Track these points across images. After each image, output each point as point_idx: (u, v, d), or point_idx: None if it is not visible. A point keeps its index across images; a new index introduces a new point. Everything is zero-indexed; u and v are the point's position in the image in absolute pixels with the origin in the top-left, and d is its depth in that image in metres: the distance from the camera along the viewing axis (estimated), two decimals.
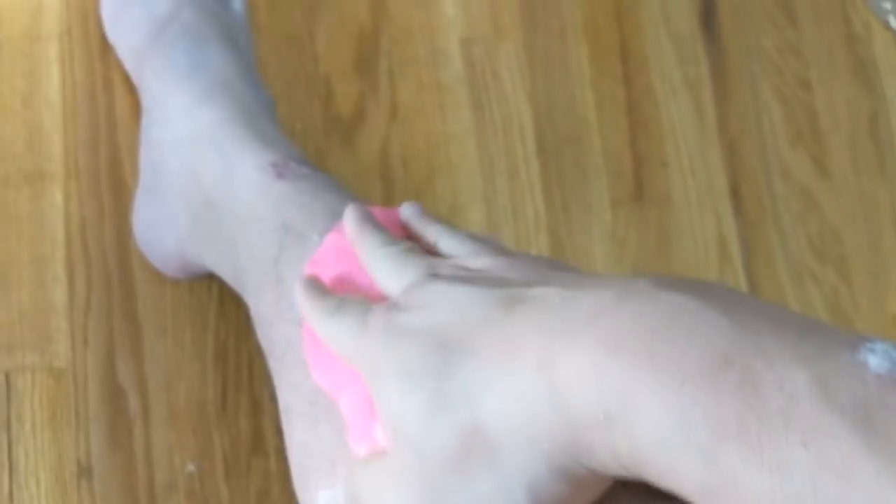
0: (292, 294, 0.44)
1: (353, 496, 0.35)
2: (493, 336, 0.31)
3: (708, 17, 0.73)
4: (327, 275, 0.43)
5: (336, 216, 0.46)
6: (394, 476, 0.33)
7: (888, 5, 0.74)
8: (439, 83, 0.69)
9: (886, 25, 0.74)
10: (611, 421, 0.28)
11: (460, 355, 0.31)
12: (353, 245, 0.41)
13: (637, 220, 0.68)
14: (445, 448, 0.31)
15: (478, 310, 0.32)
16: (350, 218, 0.41)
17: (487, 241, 0.39)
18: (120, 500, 0.59)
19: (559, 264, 0.36)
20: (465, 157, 0.68)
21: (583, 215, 0.68)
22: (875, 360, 0.26)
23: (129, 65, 0.62)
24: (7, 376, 0.60)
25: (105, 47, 0.65)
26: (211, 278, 0.62)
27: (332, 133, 0.68)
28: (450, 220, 0.46)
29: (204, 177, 0.55)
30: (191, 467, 0.60)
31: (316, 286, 0.40)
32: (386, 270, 0.38)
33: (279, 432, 0.61)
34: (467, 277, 0.34)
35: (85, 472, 0.59)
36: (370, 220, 0.41)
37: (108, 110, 0.65)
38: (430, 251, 0.39)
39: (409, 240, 0.40)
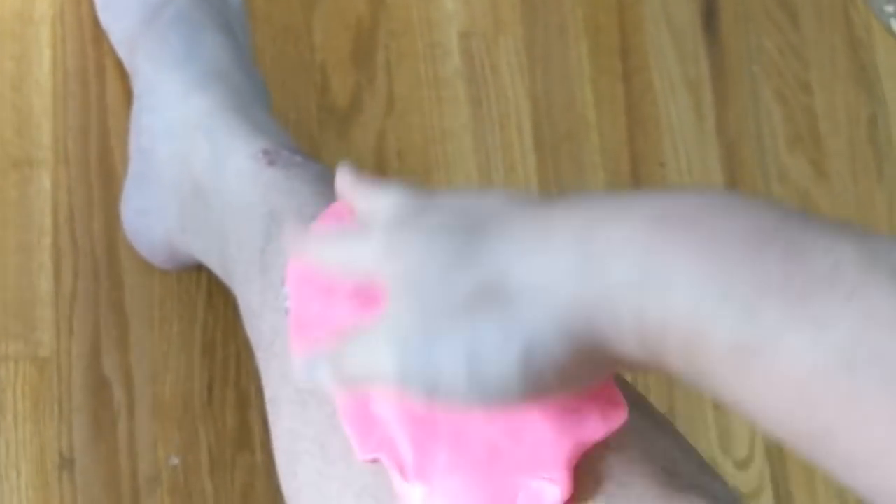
0: (278, 283, 0.44)
1: (338, 366, 0.33)
2: (530, 215, 0.31)
3: (709, 16, 0.72)
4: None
5: (324, 205, 0.45)
6: (386, 328, 0.32)
7: (890, 8, 0.73)
8: (437, 77, 0.68)
9: (888, 29, 0.74)
10: (645, 284, 0.28)
11: (496, 221, 0.31)
12: (349, 192, 0.39)
13: None
14: (457, 294, 0.30)
15: (511, 202, 0.32)
16: (342, 173, 0.39)
17: None
18: (102, 492, 0.58)
19: None
20: (462, 152, 0.67)
21: None
22: None
23: (122, 50, 0.61)
24: None
25: (97, 32, 0.64)
26: (199, 269, 0.61)
27: (327, 124, 0.67)
28: None
29: (194, 165, 0.54)
30: (175, 461, 0.59)
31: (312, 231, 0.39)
32: (386, 195, 0.36)
33: (266, 427, 0.60)
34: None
35: (67, 463, 0.58)
36: (362, 175, 0.39)
37: (100, 96, 0.64)
38: None
39: None
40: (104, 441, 0.59)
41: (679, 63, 0.71)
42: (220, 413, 0.60)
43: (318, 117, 0.67)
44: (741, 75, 0.72)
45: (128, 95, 0.64)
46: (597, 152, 0.69)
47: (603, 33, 0.71)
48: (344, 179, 0.40)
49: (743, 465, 0.66)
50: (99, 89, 0.64)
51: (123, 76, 0.64)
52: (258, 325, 0.46)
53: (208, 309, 0.62)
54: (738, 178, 0.70)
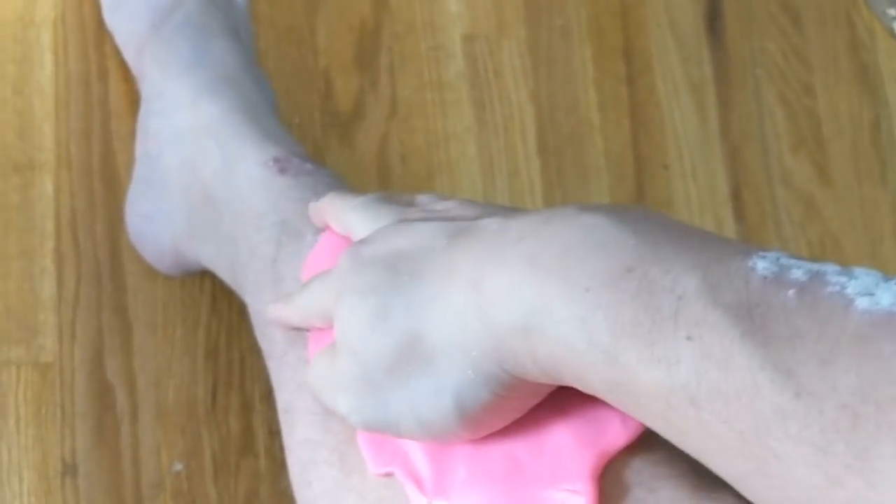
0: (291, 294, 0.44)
1: (314, 394, 0.39)
2: (437, 262, 0.34)
3: (713, 19, 0.72)
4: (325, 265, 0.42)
5: None
6: (339, 380, 0.36)
7: (893, 12, 0.73)
8: (440, 80, 0.68)
9: (891, 32, 0.73)
10: (528, 329, 0.31)
11: (408, 277, 0.34)
12: (328, 212, 0.43)
13: None
14: (385, 353, 0.34)
15: (428, 240, 0.35)
16: (329, 196, 0.45)
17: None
18: (105, 499, 0.58)
19: (520, 209, 0.38)
20: (466, 156, 0.67)
21: None
22: (763, 265, 0.28)
23: (129, 54, 0.61)
24: None
25: (100, 35, 0.64)
26: (203, 274, 0.61)
27: (330, 128, 0.66)
28: None
29: (203, 171, 0.53)
30: (178, 466, 0.59)
31: (281, 301, 0.44)
32: (361, 220, 0.41)
33: (270, 432, 0.60)
34: (428, 217, 0.37)
35: (70, 469, 0.58)
36: (347, 193, 0.44)
37: (102, 99, 0.63)
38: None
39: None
40: (107, 446, 0.59)
41: (682, 66, 0.71)
42: (223, 418, 0.60)
43: (322, 122, 0.66)
44: (744, 78, 0.71)
45: (131, 99, 0.63)
46: (601, 155, 0.68)
47: (606, 36, 0.70)
48: (315, 210, 0.45)
49: None
50: (102, 93, 0.64)
51: (126, 79, 0.64)
52: (271, 334, 0.46)
53: (212, 313, 0.62)
54: (741, 180, 0.70)
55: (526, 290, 0.31)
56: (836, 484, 0.25)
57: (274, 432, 0.60)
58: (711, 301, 0.28)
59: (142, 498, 0.58)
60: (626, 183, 0.68)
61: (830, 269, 0.28)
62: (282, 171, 0.50)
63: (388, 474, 0.37)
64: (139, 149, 0.59)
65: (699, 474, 0.34)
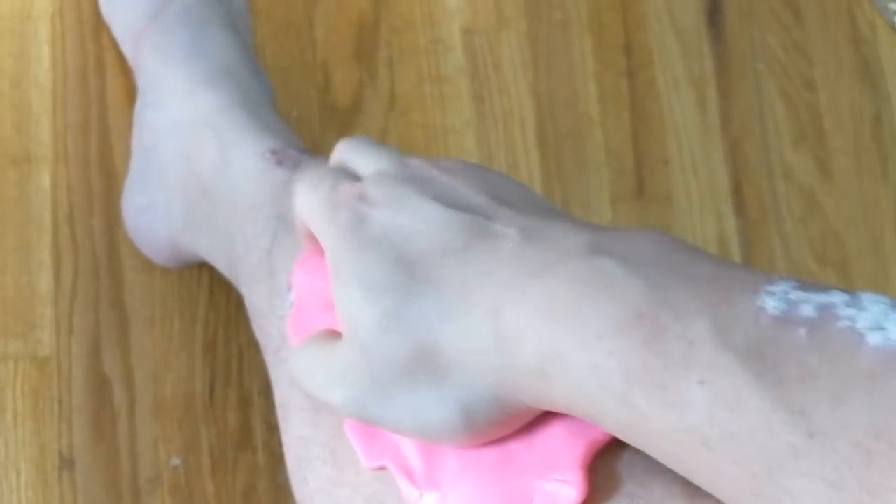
0: (284, 288, 0.43)
1: (296, 382, 0.37)
2: (452, 271, 0.33)
3: (713, 13, 0.72)
4: (317, 271, 0.42)
5: None
6: (341, 373, 0.35)
7: (894, 6, 0.73)
8: (440, 74, 0.68)
9: (893, 26, 0.73)
10: (544, 371, 0.31)
11: (422, 282, 0.33)
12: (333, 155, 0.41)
13: (637, 218, 0.67)
14: (396, 358, 0.33)
15: (439, 234, 0.34)
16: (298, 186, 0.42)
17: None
18: (102, 493, 0.58)
19: (523, 188, 0.37)
20: (465, 150, 0.67)
21: (582, 211, 0.66)
22: (772, 303, 0.28)
23: (125, 45, 0.61)
24: None
25: (98, 28, 0.64)
26: (201, 267, 0.61)
27: (328, 122, 0.66)
28: None
29: (200, 163, 0.53)
30: (176, 461, 0.59)
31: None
32: (359, 154, 0.39)
33: (268, 427, 0.60)
34: (433, 184, 0.35)
35: (67, 464, 0.58)
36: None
37: (100, 93, 0.63)
38: None
39: None
40: (104, 441, 0.58)
41: (683, 60, 0.71)
42: (221, 413, 0.60)
43: (320, 115, 0.66)
44: (745, 72, 0.71)
45: (128, 92, 0.63)
46: (600, 149, 0.68)
47: (606, 30, 0.70)
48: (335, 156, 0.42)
49: None
50: (99, 86, 0.63)
51: (124, 73, 0.63)
52: (265, 328, 0.46)
53: (210, 307, 0.61)
54: (742, 175, 0.69)
55: (542, 332, 0.31)
56: None
57: (272, 427, 0.60)
58: (722, 345, 0.28)
59: (139, 492, 0.58)
60: (626, 177, 0.68)
61: (839, 299, 0.28)
62: (279, 162, 0.50)
63: (381, 468, 0.37)
64: (135, 141, 0.59)
65: None
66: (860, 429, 0.26)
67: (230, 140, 0.52)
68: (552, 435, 0.34)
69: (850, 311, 0.27)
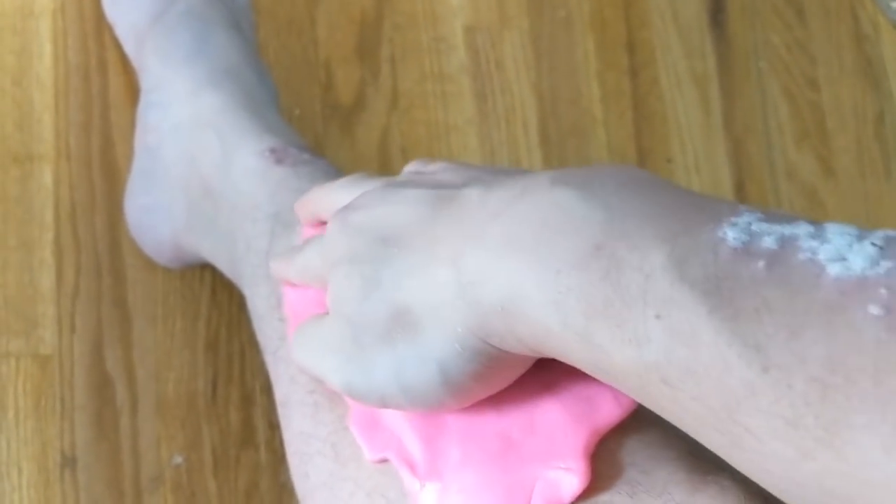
0: (280, 288, 0.43)
1: (296, 361, 0.39)
2: (422, 233, 0.34)
3: (716, 11, 0.72)
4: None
5: None
6: (329, 343, 0.36)
7: None
8: (442, 72, 0.67)
9: (895, 25, 0.73)
10: (507, 311, 0.31)
11: (396, 248, 0.34)
12: (312, 198, 0.43)
13: None
14: (376, 321, 0.34)
15: (413, 209, 0.35)
16: (299, 200, 0.45)
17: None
18: (104, 491, 0.57)
19: (510, 170, 0.38)
20: (467, 148, 0.66)
21: None
22: (733, 234, 0.27)
23: (129, 45, 0.61)
24: None
25: (100, 26, 0.64)
26: (203, 266, 0.61)
27: (330, 120, 0.66)
28: None
29: (203, 164, 0.53)
30: (178, 459, 0.59)
31: (281, 257, 0.43)
32: (348, 193, 0.40)
33: (270, 425, 0.60)
34: (414, 182, 0.37)
35: (69, 462, 0.58)
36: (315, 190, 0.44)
37: (102, 91, 0.63)
38: None
39: None
40: (107, 439, 0.58)
41: (686, 58, 0.71)
42: (223, 411, 0.60)
43: (323, 113, 0.66)
44: (748, 71, 0.71)
45: (130, 91, 0.63)
46: (603, 148, 0.68)
47: (609, 28, 0.70)
48: (301, 205, 0.44)
49: None
50: (101, 84, 0.63)
51: (126, 71, 0.63)
52: (265, 328, 0.46)
53: (212, 305, 0.61)
54: (745, 174, 0.69)
55: (502, 272, 0.31)
56: (808, 457, 0.25)
57: (274, 425, 0.60)
58: (679, 277, 0.27)
59: (141, 491, 0.58)
60: None
61: (803, 230, 0.27)
62: (278, 161, 0.50)
63: (383, 460, 0.37)
64: (138, 141, 0.58)
65: (695, 456, 0.34)
66: (816, 362, 0.25)
67: (232, 141, 0.52)
68: (554, 422, 0.34)
69: (813, 244, 0.26)
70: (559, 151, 0.68)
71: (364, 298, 0.34)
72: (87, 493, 0.57)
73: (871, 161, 0.71)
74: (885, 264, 0.25)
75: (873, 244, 0.26)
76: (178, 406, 0.59)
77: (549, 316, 0.30)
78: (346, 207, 0.37)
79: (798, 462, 0.25)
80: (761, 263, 0.26)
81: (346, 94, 0.66)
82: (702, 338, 0.26)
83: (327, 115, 0.66)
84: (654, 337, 0.27)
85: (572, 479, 0.33)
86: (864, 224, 0.69)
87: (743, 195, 0.69)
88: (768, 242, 0.27)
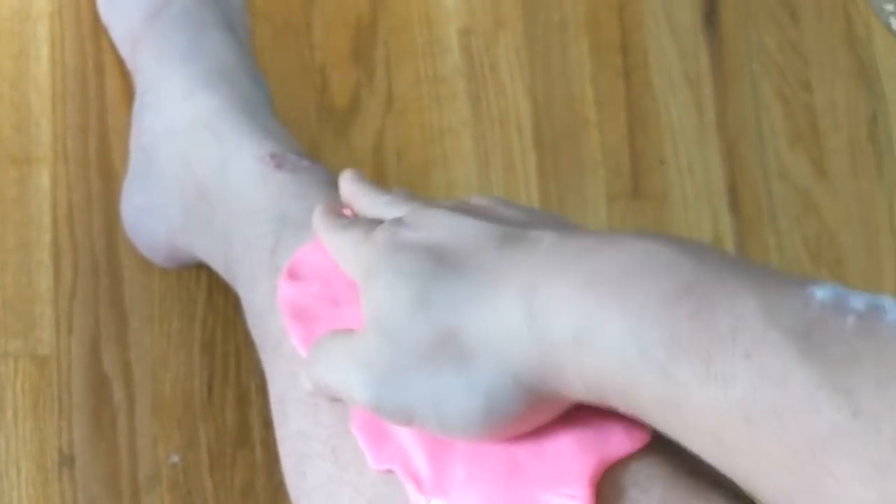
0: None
1: (312, 375, 0.38)
2: (486, 262, 0.34)
3: (710, 13, 0.72)
4: (314, 267, 0.43)
5: None
6: (361, 358, 0.35)
7: (890, 7, 0.73)
8: (436, 74, 0.68)
9: (888, 27, 0.73)
10: (580, 342, 0.31)
11: (454, 271, 0.34)
12: (349, 200, 0.43)
13: (633, 217, 0.67)
14: (421, 341, 0.33)
15: (476, 238, 0.34)
16: (346, 177, 0.44)
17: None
18: (102, 490, 0.58)
19: (557, 217, 0.39)
20: (461, 150, 0.67)
21: (578, 210, 0.67)
22: (822, 293, 0.29)
23: (124, 47, 0.61)
24: None
25: (96, 29, 0.64)
26: (199, 267, 0.61)
27: (325, 123, 0.67)
28: None
29: (198, 166, 0.53)
30: (175, 458, 0.59)
31: (333, 209, 0.42)
32: (389, 206, 0.40)
33: (266, 424, 0.61)
34: (471, 211, 0.36)
35: (67, 461, 0.58)
36: (366, 180, 0.43)
37: (99, 93, 0.64)
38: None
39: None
40: (104, 439, 0.59)
41: (679, 60, 0.71)
42: (219, 411, 0.60)
43: (318, 116, 0.67)
44: (741, 72, 0.71)
45: (127, 93, 0.64)
46: (597, 150, 0.68)
47: (603, 30, 0.70)
48: (347, 184, 0.43)
49: None
50: (98, 87, 0.64)
51: (123, 74, 0.64)
52: (265, 326, 0.46)
53: (208, 306, 0.62)
54: (738, 176, 0.70)
55: (581, 304, 0.31)
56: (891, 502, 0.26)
57: (270, 424, 0.60)
58: (770, 321, 0.28)
59: (138, 489, 0.59)
60: (622, 177, 0.68)
61: (888, 302, 0.28)
62: (278, 166, 0.50)
63: (388, 470, 0.37)
64: (134, 142, 0.59)
65: (695, 475, 0.34)
66: None
67: (229, 144, 0.52)
68: (562, 447, 0.34)
69: None
70: (553, 153, 0.68)
71: (411, 315, 0.33)
72: (84, 492, 0.58)
73: (864, 162, 0.71)
74: None
75: None
76: (175, 406, 0.60)
77: (627, 346, 0.30)
78: (398, 221, 0.36)
79: None
80: (850, 318, 0.28)
81: (341, 98, 0.67)
82: (792, 378, 0.27)
83: (322, 119, 0.67)
84: (740, 376, 0.28)
85: None
86: (857, 225, 0.69)
87: (736, 197, 0.69)
88: (856, 303, 0.28)
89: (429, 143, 0.67)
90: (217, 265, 0.54)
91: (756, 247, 0.68)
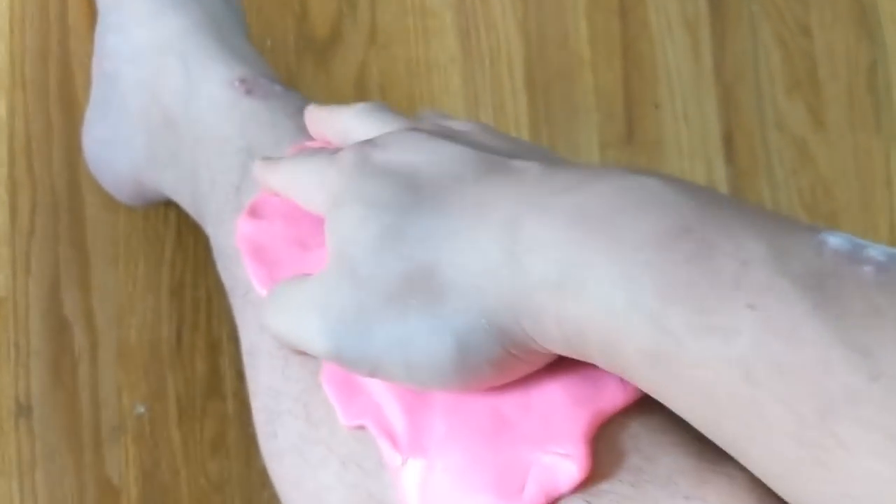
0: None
1: (268, 324, 0.34)
2: (466, 194, 0.30)
3: None
4: (280, 205, 0.39)
5: (306, 139, 0.42)
6: (320, 300, 0.32)
7: None
8: (424, 6, 0.64)
9: None
10: (562, 284, 0.28)
11: (430, 201, 0.30)
12: (319, 125, 0.39)
13: (626, 164, 0.64)
14: (389, 279, 0.30)
15: (456, 166, 0.31)
16: (314, 108, 0.40)
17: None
18: (61, 441, 0.55)
19: (546, 150, 0.35)
20: (449, 87, 0.63)
21: (570, 155, 0.64)
22: (835, 240, 0.26)
23: None
24: None
25: None
26: (168, 205, 0.57)
27: (305, 53, 0.62)
28: None
29: (164, 92, 0.49)
30: (140, 409, 0.56)
31: (272, 159, 0.39)
32: (364, 125, 0.36)
33: (238, 375, 0.57)
34: (450, 136, 0.33)
35: (24, 410, 0.55)
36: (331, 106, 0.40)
37: (61, 16, 0.59)
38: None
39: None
40: (64, 388, 0.55)
41: (677, 0, 0.68)
42: (189, 359, 0.57)
43: (296, 46, 0.62)
44: (740, 15, 0.68)
45: (91, 16, 0.59)
46: (590, 92, 0.65)
47: None
48: (311, 112, 0.40)
49: None
50: (60, 8, 0.59)
51: None
52: (233, 270, 0.42)
53: (177, 248, 0.58)
54: (733, 123, 0.67)
55: (567, 242, 0.28)
56: None
57: (242, 374, 0.57)
58: (779, 269, 0.25)
59: (101, 441, 0.55)
60: (616, 122, 0.65)
61: None
62: (248, 92, 0.46)
63: (360, 427, 0.33)
64: (96, 68, 0.55)
65: (701, 443, 0.31)
66: None
67: (196, 68, 0.48)
68: (552, 402, 0.31)
69: None
70: (545, 95, 0.65)
71: (378, 249, 0.30)
72: (43, 443, 0.54)
73: (862, 113, 0.69)
74: None
75: None
76: (141, 353, 0.56)
77: (614, 291, 0.26)
78: (370, 143, 0.33)
79: (893, 483, 0.23)
80: (868, 268, 0.25)
81: (322, 27, 0.63)
82: (802, 334, 0.24)
83: (301, 48, 0.62)
84: (743, 328, 0.25)
85: (570, 467, 0.30)
86: (852, 177, 0.67)
87: (731, 145, 0.66)
88: (873, 253, 0.25)
89: (414, 79, 0.63)
90: (185, 202, 0.51)
91: (751, 197, 0.66)
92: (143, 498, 0.55)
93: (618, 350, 0.27)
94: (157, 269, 0.58)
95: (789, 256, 0.25)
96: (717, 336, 0.25)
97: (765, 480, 0.27)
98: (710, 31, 0.68)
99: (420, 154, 0.32)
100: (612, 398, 0.31)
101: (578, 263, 0.27)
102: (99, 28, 0.54)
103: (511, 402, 0.31)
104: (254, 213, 0.40)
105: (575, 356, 0.29)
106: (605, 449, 0.30)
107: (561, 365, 0.31)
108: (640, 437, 0.30)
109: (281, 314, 0.33)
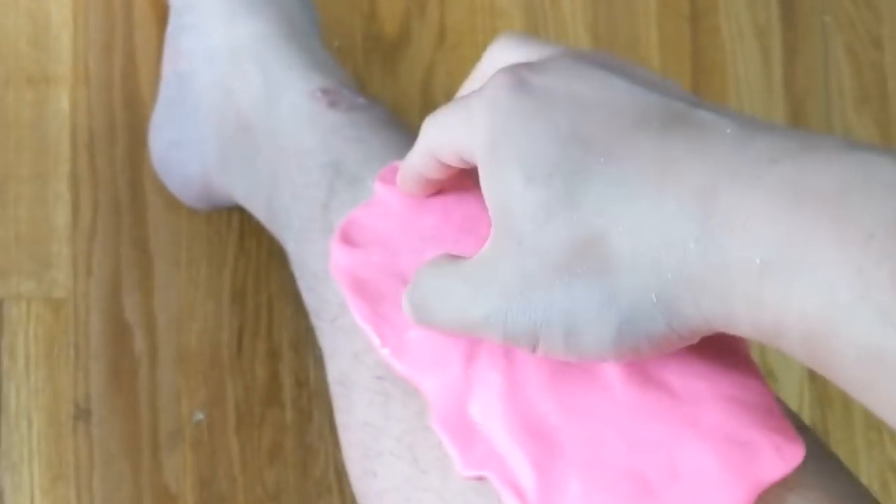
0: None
1: (424, 321, 0.31)
2: (646, 149, 0.27)
3: None
4: (372, 231, 0.38)
5: (395, 156, 0.40)
6: (484, 276, 0.29)
7: None
8: (493, 6, 0.62)
9: None
10: (768, 266, 0.25)
11: (603, 159, 0.27)
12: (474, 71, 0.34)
13: None
14: (556, 249, 0.28)
15: (633, 110, 0.27)
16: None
17: None
18: (119, 446, 0.54)
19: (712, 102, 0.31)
20: None
21: None
22: None
23: None
24: None
25: None
26: (231, 209, 0.56)
27: (372, 54, 0.61)
28: None
29: (241, 97, 0.48)
30: (199, 415, 0.55)
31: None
32: (514, 51, 0.32)
33: (297, 383, 0.56)
34: (621, 66, 0.29)
35: (82, 414, 0.54)
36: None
37: (127, 8, 0.57)
38: None
39: None
40: (123, 392, 0.54)
41: (749, 7, 0.66)
42: (249, 366, 0.56)
43: (364, 46, 0.61)
44: (812, 24, 0.67)
45: (159, 9, 0.57)
46: None
47: None
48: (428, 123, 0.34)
49: None
50: (125, 2, 0.57)
51: None
52: (321, 292, 0.41)
53: (239, 253, 0.57)
54: None
55: (779, 221, 0.24)
56: None
57: (301, 383, 0.56)
58: None
59: (159, 447, 0.54)
60: None
61: None
62: (332, 104, 0.45)
63: (480, 478, 0.32)
64: (167, 67, 0.53)
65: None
66: None
67: (275, 74, 0.47)
68: (702, 468, 0.29)
69: None
70: None
71: (547, 218, 0.27)
72: (101, 448, 0.53)
73: None
74: None
75: None
76: (201, 359, 0.55)
77: (839, 284, 0.23)
78: (525, 64, 0.29)
79: None
80: None
81: (391, 26, 0.61)
82: None
83: (368, 48, 0.61)
84: None
85: None
86: None
87: None
88: None
89: None
90: (258, 210, 0.49)
91: None
92: None
93: (827, 345, 0.24)
94: (219, 273, 0.56)
95: None
96: None
97: None
98: (781, 40, 0.66)
99: (588, 86, 0.28)
100: (770, 468, 0.29)
101: (793, 246, 0.24)
102: (172, 28, 0.52)
103: (654, 465, 0.29)
104: (346, 238, 0.38)
105: (761, 341, 0.26)
106: None
107: (707, 423, 0.29)
108: None
109: (442, 300, 0.31)
